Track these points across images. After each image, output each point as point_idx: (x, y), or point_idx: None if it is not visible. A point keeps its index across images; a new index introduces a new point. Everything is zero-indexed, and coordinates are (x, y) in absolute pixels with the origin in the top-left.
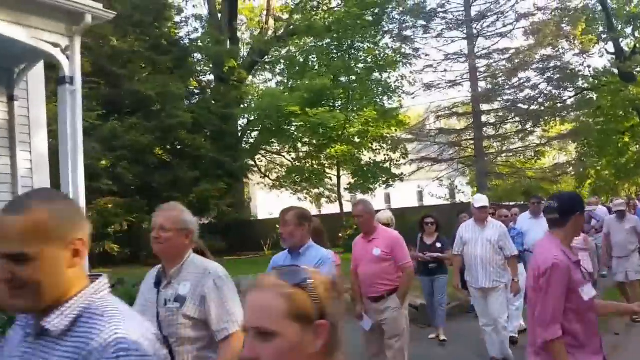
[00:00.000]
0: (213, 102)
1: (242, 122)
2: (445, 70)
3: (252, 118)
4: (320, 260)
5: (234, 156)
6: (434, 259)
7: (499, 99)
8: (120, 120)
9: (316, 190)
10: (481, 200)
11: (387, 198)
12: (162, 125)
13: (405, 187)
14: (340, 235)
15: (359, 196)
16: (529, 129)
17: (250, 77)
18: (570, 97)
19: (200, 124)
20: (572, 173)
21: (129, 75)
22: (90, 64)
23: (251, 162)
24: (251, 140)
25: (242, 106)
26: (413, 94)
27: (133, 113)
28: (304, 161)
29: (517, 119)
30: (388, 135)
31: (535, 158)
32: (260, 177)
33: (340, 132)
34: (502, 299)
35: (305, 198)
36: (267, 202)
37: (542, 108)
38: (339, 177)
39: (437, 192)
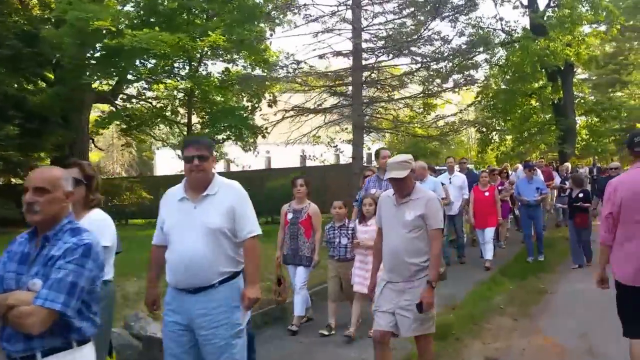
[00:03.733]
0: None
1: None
2: None
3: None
4: None
5: (47, 92)
6: None
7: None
8: None
9: None
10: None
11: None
12: None
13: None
14: None
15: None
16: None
17: None
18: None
19: None
20: (461, 130)
21: None
22: None
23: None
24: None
25: None
26: (275, 16)
27: None
28: (134, 103)
29: (418, 72)
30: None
31: (424, 112)
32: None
33: (176, 63)
34: None
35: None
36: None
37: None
38: (189, 126)
39: (314, 151)
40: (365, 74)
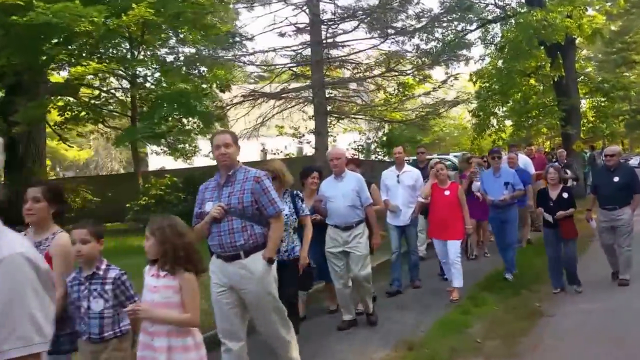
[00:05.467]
0: None
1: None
2: None
3: None
4: None
5: None
6: None
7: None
8: None
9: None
10: None
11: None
12: None
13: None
14: (128, 205)
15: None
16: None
17: None
18: (472, 31)
19: None
20: (442, 111)
21: None
22: None
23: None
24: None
25: None
26: None
27: None
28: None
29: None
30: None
31: (400, 94)
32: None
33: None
34: None
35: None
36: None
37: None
38: (133, 117)
39: (278, 144)
40: (334, 52)
